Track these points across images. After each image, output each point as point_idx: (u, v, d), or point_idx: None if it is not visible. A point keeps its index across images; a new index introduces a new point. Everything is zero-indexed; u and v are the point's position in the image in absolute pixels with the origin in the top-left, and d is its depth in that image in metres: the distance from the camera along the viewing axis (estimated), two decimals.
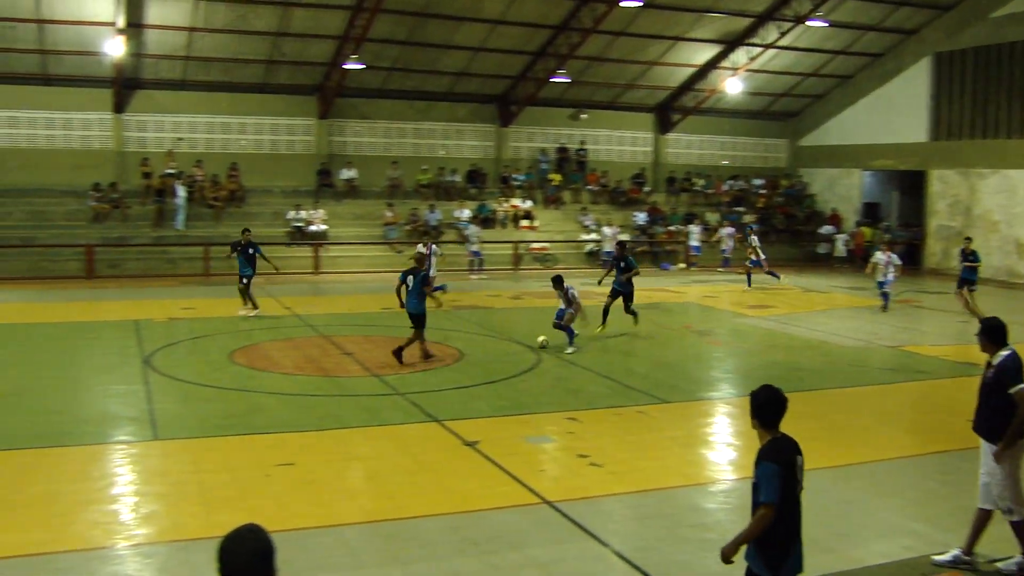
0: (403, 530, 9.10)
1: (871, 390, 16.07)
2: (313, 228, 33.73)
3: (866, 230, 38.73)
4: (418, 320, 17.05)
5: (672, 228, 38.90)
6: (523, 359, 17.54)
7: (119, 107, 34.46)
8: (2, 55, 32.06)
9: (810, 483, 10.55)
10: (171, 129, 35.32)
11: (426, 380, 15.67)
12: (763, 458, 6.08)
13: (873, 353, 19.46)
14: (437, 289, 22.99)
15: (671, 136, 42.76)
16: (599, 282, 22.50)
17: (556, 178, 39.78)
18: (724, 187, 42.42)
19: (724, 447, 12.57)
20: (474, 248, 33.11)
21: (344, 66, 33.31)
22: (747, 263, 31.40)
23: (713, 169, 43.39)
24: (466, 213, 35.92)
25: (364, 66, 33.53)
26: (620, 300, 20.69)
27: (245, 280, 22.05)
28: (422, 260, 18.56)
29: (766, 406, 6.24)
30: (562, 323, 18.57)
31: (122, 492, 10.17)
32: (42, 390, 14.79)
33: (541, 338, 18.71)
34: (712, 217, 39.55)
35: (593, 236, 36.89)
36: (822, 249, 40.19)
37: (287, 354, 17.71)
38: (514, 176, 39.09)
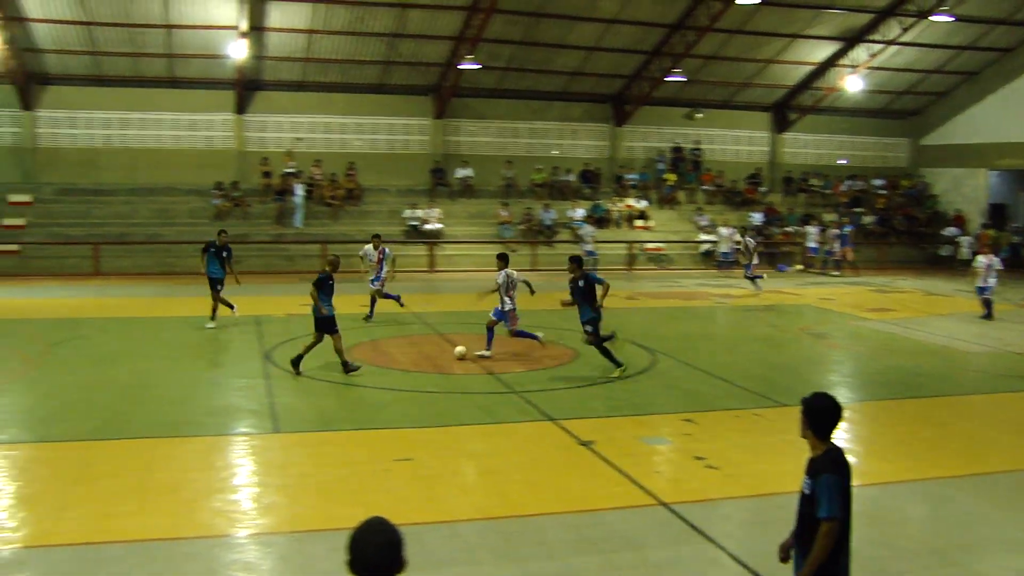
0: (519, 528, 9.14)
1: (997, 398, 15.57)
2: (428, 227, 34.08)
3: (991, 232, 37.46)
4: (327, 324, 15.90)
5: (788, 229, 38.26)
6: (638, 359, 17.43)
7: (241, 108, 35.39)
8: (134, 60, 33.27)
9: (933, 493, 10.36)
10: (290, 129, 36.13)
11: (540, 379, 15.73)
12: (825, 469, 5.80)
13: (999, 359, 18.86)
14: (391, 298, 21.78)
15: (788, 135, 42.09)
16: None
17: (671, 178, 39.51)
18: (843, 187, 41.54)
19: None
20: (588, 248, 33.00)
21: (460, 66, 33.60)
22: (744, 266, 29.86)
23: (831, 169, 42.56)
24: (580, 213, 35.91)
25: (480, 66, 33.78)
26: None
27: (219, 287, 20.72)
28: (336, 265, 16.68)
29: (824, 414, 5.93)
30: (513, 329, 17.51)
31: (244, 482, 10.44)
32: (169, 382, 15.27)
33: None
34: (829, 218, 38.75)
35: (709, 237, 36.51)
36: (945, 251, 39.04)
37: (404, 351, 17.97)
38: (628, 176, 38.92)
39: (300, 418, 13.11)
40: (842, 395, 15.54)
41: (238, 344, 18.59)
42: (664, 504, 9.76)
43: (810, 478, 5.85)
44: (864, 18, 35.46)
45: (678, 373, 16.65)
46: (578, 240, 34.23)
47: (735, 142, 41.91)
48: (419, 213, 34.52)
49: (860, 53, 37.00)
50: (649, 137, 40.55)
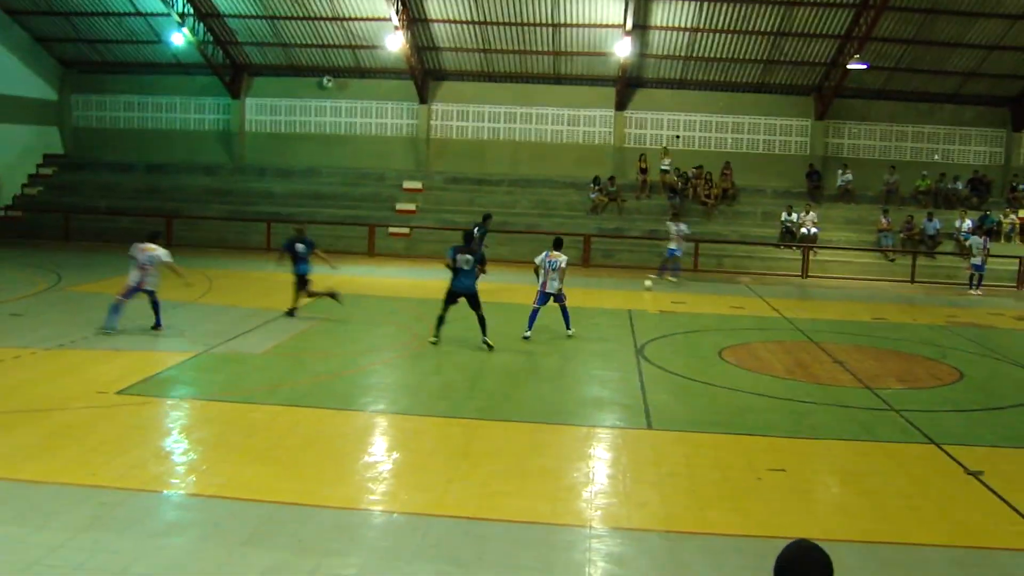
0: (902, 556, 8.64)
1: None
2: (804, 230, 33.17)
3: None
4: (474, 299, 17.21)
5: None
6: None
7: (621, 105, 36.06)
8: (521, 56, 34.85)
9: None
10: (668, 127, 36.35)
11: (923, 398, 14.85)
12: None
13: None
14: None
15: None
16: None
17: None
18: None
19: None
20: (976, 261, 30.58)
21: (848, 66, 32.40)
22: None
23: None
24: (969, 224, 33.57)
25: (867, 65, 32.42)
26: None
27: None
28: (471, 239, 17.70)
29: None
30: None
31: (617, 476, 10.52)
32: (546, 370, 15.83)
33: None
34: None
35: None
36: None
37: (777, 356, 17.55)
38: (1022, 185, 35.97)
39: (672, 416, 13.10)
40: None
41: (611, 337, 18.88)
42: None
43: None
44: None
45: None
46: (966, 253, 32.10)
47: None
48: (794, 216, 33.65)
49: None
50: None
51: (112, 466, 9.86)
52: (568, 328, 18.42)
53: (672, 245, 28.77)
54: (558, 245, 18.79)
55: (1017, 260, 32.31)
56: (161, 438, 11.29)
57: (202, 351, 15.85)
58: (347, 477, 10.05)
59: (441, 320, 17.05)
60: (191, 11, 33.61)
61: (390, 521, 8.92)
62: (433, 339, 17.07)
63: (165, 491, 9.37)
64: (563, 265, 18.37)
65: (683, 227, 29.39)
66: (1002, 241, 33.80)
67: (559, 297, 18.35)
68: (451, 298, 17.04)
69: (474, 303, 16.97)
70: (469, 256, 16.89)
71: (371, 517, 9.03)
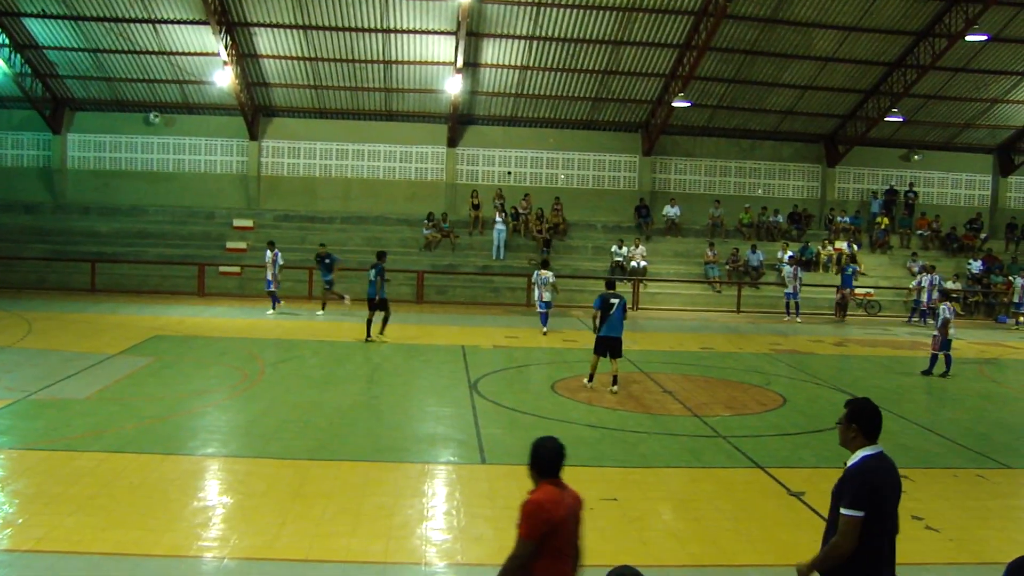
0: None
1: None
2: (633, 264, 33.94)
3: None
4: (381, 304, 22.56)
5: (1011, 278, 36.18)
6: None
7: (452, 141, 36.31)
8: (353, 93, 34.72)
9: None
10: (500, 163, 36.77)
11: (748, 424, 15.35)
12: None
13: None
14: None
15: (1013, 179, 40.02)
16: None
17: (884, 221, 38.11)
18: None
19: None
20: (788, 289, 31.69)
21: (673, 104, 33.46)
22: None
23: None
24: (789, 255, 34.94)
25: (691, 103, 33.56)
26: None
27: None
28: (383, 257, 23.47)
29: None
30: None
31: (452, 511, 10.51)
32: (379, 407, 15.70)
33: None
34: None
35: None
36: None
37: (609, 388, 17.83)
38: (840, 218, 37.76)
39: (506, 450, 13.15)
40: None
41: (445, 373, 18.89)
42: None
43: None
44: None
45: (891, 426, 15.58)
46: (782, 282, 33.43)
47: (954, 185, 40.12)
48: (624, 250, 34.40)
49: None
50: (862, 179, 39.34)
51: None
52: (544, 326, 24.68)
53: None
54: (545, 265, 25.40)
55: (835, 289, 33.83)
56: None
57: (20, 397, 15.12)
58: (175, 524, 9.72)
59: (369, 322, 22.55)
60: (7, 42, 32.24)
61: (221, 567, 8.67)
62: (373, 338, 22.40)
63: None
64: (552, 280, 24.76)
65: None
66: (821, 271, 35.37)
67: (548, 305, 24.67)
68: (369, 304, 22.58)
69: (377, 306, 22.45)
70: (372, 270, 22.39)
71: (201, 564, 8.76)
